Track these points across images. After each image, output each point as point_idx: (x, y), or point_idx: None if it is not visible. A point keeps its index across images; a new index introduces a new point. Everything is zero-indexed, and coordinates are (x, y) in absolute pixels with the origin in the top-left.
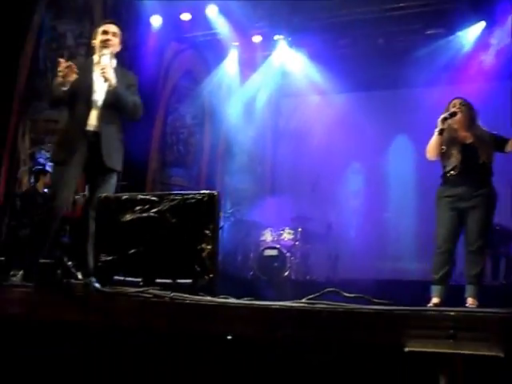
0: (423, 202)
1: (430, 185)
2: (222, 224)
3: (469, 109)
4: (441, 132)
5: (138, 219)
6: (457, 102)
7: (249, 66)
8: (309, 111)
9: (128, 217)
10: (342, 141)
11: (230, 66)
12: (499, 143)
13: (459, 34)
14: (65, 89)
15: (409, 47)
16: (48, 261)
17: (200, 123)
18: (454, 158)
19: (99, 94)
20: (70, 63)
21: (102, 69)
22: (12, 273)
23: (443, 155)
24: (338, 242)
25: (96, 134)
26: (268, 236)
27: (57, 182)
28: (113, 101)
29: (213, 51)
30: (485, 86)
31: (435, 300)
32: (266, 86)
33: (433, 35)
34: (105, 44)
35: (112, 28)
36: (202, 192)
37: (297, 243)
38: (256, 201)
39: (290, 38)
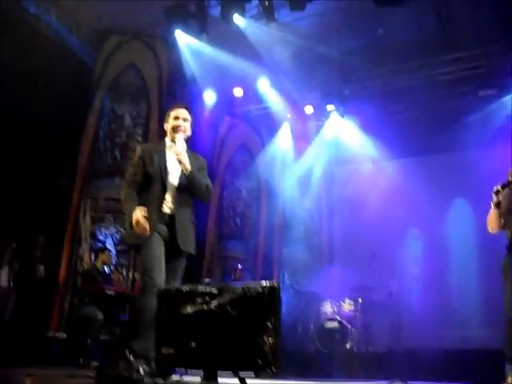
0: (487, 266)
1: (492, 248)
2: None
3: None
4: (497, 205)
5: (199, 312)
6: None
7: (302, 136)
8: (363, 179)
9: (189, 309)
10: (399, 207)
11: (284, 137)
12: None
13: None
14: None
15: (461, 109)
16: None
17: (256, 196)
18: None
19: (174, 177)
20: (145, 226)
21: (177, 154)
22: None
23: (505, 225)
24: (400, 311)
25: (171, 217)
26: (328, 307)
27: (147, 258)
28: (187, 184)
29: (266, 124)
30: None
31: (510, 380)
32: (319, 156)
33: (485, 97)
34: (176, 130)
35: (184, 113)
36: (262, 284)
37: (357, 314)
38: (314, 271)
39: (341, 108)
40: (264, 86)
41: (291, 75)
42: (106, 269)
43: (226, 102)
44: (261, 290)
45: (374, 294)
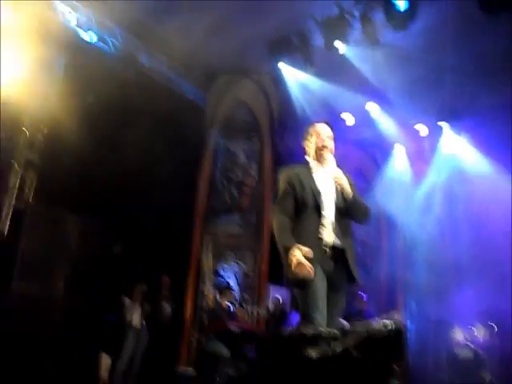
0: None
1: None
2: (407, 323)
3: None
4: None
5: (324, 356)
6: None
7: (417, 157)
8: (487, 196)
9: (312, 353)
10: None
11: (399, 160)
12: None
13: None
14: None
15: None
16: None
17: (375, 222)
18: None
19: (330, 203)
20: (308, 269)
21: (337, 178)
22: None
23: None
24: None
25: (334, 247)
26: (459, 335)
27: (309, 296)
28: (345, 208)
29: (379, 148)
30: None
31: None
32: (438, 175)
33: None
34: (323, 149)
35: (328, 131)
36: (387, 325)
37: (494, 341)
38: (441, 296)
39: (454, 124)
40: (373, 110)
41: (400, 96)
42: (230, 306)
43: (337, 130)
44: (387, 333)
45: (507, 317)
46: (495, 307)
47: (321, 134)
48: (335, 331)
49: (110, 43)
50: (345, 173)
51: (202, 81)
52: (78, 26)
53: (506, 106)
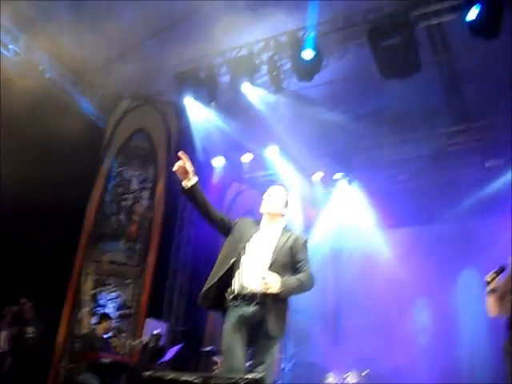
0: (496, 337)
1: (503, 320)
2: (283, 366)
3: None
4: (492, 292)
5: None
6: None
7: (310, 204)
8: (370, 248)
9: None
10: (406, 277)
11: (292, 205)
12: None
13: None
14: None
15: (468, 180)
16: None
17: None
18: None
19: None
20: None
21: (264, 282)
22: None
23: (502, 310)
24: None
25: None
26: (331, 380)
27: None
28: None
29: None
30: None
31: None
32: (326, 222)
33: (492, 168)
34: (266, 208)
35: (275, 189)
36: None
37: None
38: (318, 341)
39: (349, 176)
40: (272, 153)
41: (299, 143)
42: (105, 336)
43: (234, 168)
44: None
45: (380, 366)
46: (368, 355)
47: (268, 195)
48: (195, 377)
49: (11, 50)
50: (297, 232)
51: (104, 102)
52: None
53: (400, 161)
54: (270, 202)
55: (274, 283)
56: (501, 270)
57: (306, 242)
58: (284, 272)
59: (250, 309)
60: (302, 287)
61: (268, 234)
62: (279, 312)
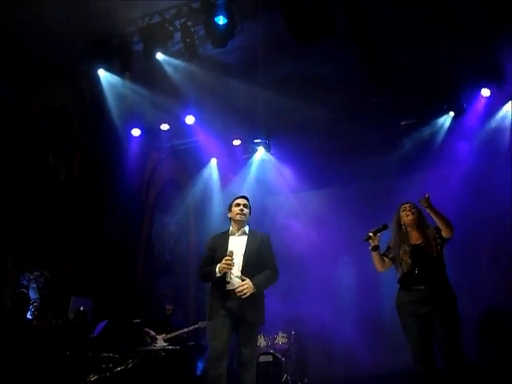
0: None
1: None
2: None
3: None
4: (374, 248)
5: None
6: (406, 205)
7: (229, 169)
8: (292, 210)
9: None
10: (330, 236)
11: (211, 171)
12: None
13: (432, 123)
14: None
15: (384, 139)
16: None
17: (185, 230)
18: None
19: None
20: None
21: (239, 290)
22: None
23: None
24: (333, 340)
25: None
26: (262, 341)
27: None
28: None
29: (194, 158)
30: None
31: None
32: (247, 188)
33: (407, 126)
34: (240, 217)
35: (244, 201)
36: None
37: (291, 346)
38: None
39: (267, 141)
40: (190, 121)
41: (217, 110)
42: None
43: (153, 137)
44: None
45: (307, 325)
46: (295, 315)
47: (238, 204)
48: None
49: None
50: (260, 232)
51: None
52: None
53: (317, 124)
54: (242, 211)
55: (247, 289)
56: (384, 227)
57: (268, 239)
58: (256, 267)
59: (232, 302)
60: (271, 281)
61: (239, 239)
62: (257, 302)
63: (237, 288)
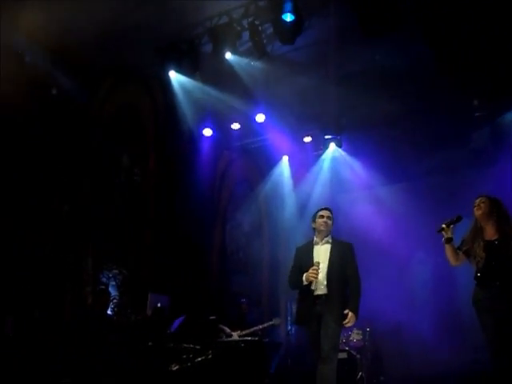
0: None
1: None
2: (289, 328)
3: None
4: (447, 241)
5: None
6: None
7: (301, 167)
8: (365, 206)
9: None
10: (404, 232)
11: (283, 169)
12: None
13: (506, 114)
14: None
15: (460, 132)
16: None
17: (258, 229)
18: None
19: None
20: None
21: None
22: None
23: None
24: (410, 338)
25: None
26: None
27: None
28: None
29: (265, 157)
30: None
31: None
32: (319, 185)
33: (480, 117)
34: (324, 227)
35: (327, 213)
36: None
37: (366, 343)
38: None
39: (339, 137)
40: (260, 119)
41: (288, 107)
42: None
43: (224, 137)
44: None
45: (383, 322)
46: (371, 312)
47: (321, 216)
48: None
49: None
50: (343, 242)
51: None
52: None
53: (390, 118)
54: (325, 223)
55: (350, 322)
56: (458, 219)
57: (351, 247)
58: (339, 274)
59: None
60: (359, 295)
61: (323, 248)
62: (341, 307)
63: (345, 324)
